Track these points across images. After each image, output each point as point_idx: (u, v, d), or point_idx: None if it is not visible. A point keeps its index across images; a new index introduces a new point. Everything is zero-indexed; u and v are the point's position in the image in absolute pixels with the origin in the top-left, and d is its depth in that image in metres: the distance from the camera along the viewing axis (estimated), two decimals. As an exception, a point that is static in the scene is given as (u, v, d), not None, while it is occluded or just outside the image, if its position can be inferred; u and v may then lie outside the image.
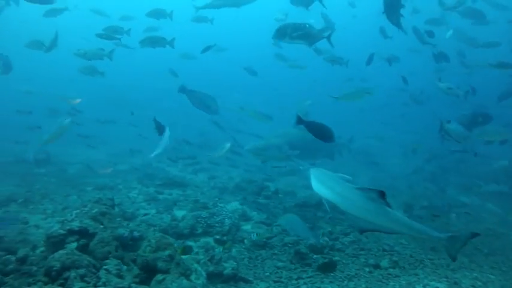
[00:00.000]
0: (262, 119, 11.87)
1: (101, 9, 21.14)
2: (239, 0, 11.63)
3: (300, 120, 6.50)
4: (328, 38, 8.87)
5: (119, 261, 6.00)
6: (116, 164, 16.89)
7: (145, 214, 9.55)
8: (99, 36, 10.98)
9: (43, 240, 7.07)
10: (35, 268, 5.65)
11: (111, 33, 11.23)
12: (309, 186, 13.81)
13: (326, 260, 7.43)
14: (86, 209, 6.88)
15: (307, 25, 8.22)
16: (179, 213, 9.54)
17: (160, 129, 8.08)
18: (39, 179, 13.77)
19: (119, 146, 20.87)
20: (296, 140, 11.54)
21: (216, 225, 8.39)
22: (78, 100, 12.96)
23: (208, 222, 8.40)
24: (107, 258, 5.99)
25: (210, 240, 8.03)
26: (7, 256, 5.94)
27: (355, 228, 9.37)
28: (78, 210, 6.83)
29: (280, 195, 12.52)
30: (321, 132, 6.83)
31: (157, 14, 13.19)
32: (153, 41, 11.12)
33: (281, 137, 11.61)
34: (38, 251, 6.71)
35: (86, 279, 5.19)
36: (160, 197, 11.37)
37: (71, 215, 6.66)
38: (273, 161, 11.95)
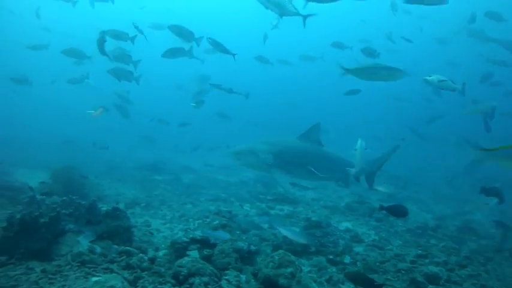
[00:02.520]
0: None
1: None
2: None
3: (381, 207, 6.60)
4: (304, 18, 9.12)
5: (238, 272, 6.23)
6: (228, 176, 17.54)
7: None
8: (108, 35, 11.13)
9: (166, 244, 7.63)
10: (163, 269, 6.04)
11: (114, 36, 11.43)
12: (422, 210, 13.07)
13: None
14: (207, 219, 7.25)
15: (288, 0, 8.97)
16: (293, 229, 9.59)
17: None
18: (157, 186, 14.64)
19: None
20: (290, 151, 9.83)
21: (330, 245, 8.35)
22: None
23: (322, 241, 8.39)
24: (227, 269, 6.25)
25: (322, 259, 7.99)
26: (140, 255, 6.46)
27: (472, 260, 8.82)
28: (200, 221, 7.20)
29: (391, 218, 12.15)
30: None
31: (176, 53, 12.31)
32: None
33: (269, 145, 9.78)
34: (160, 253, 7.22)
35: (209, 287, 5.45)
36: (272, 212, 11.55)
37: (194, 225, 7.02)
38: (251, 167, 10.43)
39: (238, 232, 7.53)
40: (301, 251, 8.14)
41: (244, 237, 7.92)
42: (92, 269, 6.00)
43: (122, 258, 6.43)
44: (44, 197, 7.83)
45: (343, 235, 8.92)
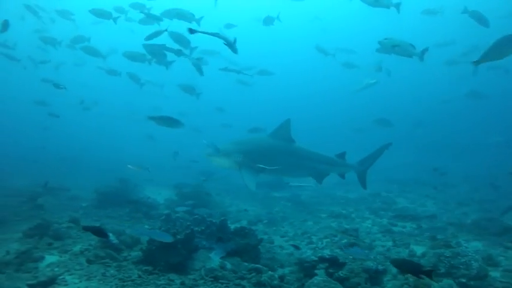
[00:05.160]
0: None
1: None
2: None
3: None
4: None
5: (368, 293, 6.17)
6: (346, 191, 17.40)
7: (382, 246, 9.54)
8: None
9: (291, 261, 7.82)
10: (293, 288, 6.19)
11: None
12: None
13: None
14: (335, 238, 7.26)
15: None
16: (417, 248, 9.22)
17: None
18: (277, 203, 14.91)
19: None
20: (258, 150, 9.87)
21: (461, 266, 7.84)
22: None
23: (452, 262, 7.90)
24: (356, 289, 6.22)
25: (452, 282, 7.58)
26: (269, 272, 6.73)
27: None
28: (328, 239, 7.24)
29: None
30: None
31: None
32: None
33: (238, 144, 9.93)
34: (286, 271, 7.35)
35: (340, 308, 5.46)
36: (395, 229, 11.18)
37: (322, 243, 7.08)
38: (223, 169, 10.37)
39: (366, 251, 7.44)
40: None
41: (372, 257, 7.80)
42: (225, 285, 6.37)
43: (251, 275, 6.70)
44: (179, 214, 8.39)
45: (475, 256, 8.35)
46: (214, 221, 7.89)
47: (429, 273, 4.83)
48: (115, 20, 13.75)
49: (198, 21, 12.21)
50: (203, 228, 7.62)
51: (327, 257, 6.63)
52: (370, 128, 23.11)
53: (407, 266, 5.19)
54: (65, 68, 24.93)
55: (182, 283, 6.37)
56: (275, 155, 9.67)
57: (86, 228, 5.73)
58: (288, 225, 11.47)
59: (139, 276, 6.60)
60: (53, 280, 6.23)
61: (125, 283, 6.34)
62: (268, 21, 18.09)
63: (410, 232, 10.93)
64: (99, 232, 5.69)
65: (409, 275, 5.74)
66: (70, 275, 6.71)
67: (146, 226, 10.37)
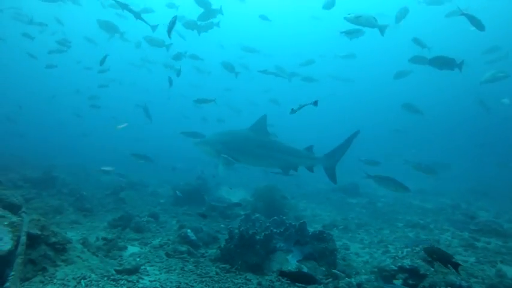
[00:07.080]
0: None
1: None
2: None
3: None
4: None
5: (450, 309, 5.92)
6: (423, 201, 16.84)
7: (464, 261, 9.08)
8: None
9: (367, 269, 7.75)
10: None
11: None
12: None
13: None
14: (417, 248, 7.03)
15: None
16: (506, 268, 8.49)
17: None
18: (352, 209, 14.70)
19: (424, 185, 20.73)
20: (235, 140, 11.01)
21: None
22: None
23: None
24: (438, 304, 5.98)
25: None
26: (347, 279, 6.64)
27: None
28: (409, 249, 7.04)
29: None
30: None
31: None
32: None
33: (219, 135, 11.31)
34: (362, 278, 7.16)
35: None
36: (478, 244, 10.53)
37: (402, 253, 6.90)
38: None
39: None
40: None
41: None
42: (301, 288, 6.31)
43: (328, 280, 6.65)
44: (258, 215, 8.46)
45: None
46: (293, 223, 7.91)
47: (456, 266, 5.15)
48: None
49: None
50: (282, 230, 7.64)
51: (407, 267, 6.43)
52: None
53: (438, 255, 5.41)
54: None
55: (259, 283, 6.44)
56: (249, 146, 10.75)
57: (285, 275, 5.47)
58: (364, 232, 11.26)
59: (217, 274, 6.75)
60: (136, 269, 6.53)
61: (203, 279, 6.50)
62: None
63: (496, 249, 10.19)
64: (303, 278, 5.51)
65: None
66: (151, 266, 7.06)
67: (222, 225, 10.59)
